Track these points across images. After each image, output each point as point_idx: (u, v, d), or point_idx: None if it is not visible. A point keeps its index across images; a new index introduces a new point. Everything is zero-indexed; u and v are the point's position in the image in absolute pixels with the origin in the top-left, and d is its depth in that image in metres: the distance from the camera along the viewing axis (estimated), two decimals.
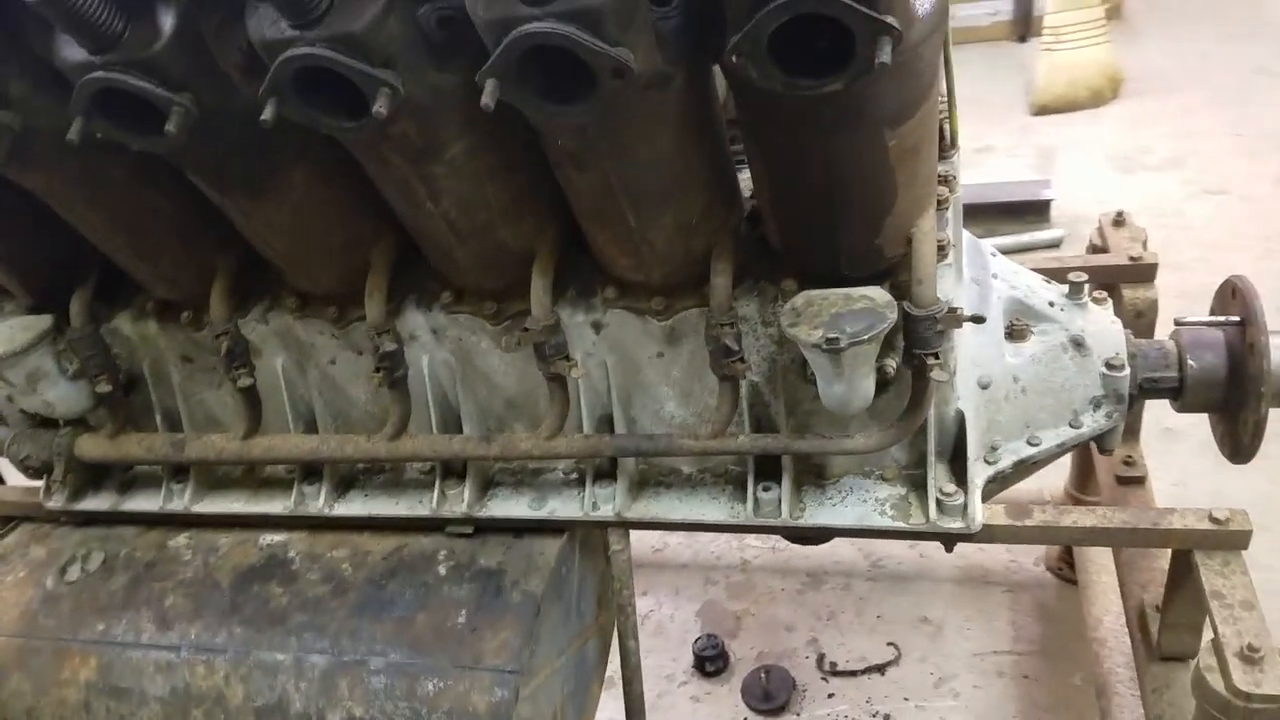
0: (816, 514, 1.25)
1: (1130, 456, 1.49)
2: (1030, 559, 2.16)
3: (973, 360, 1.25)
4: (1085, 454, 1.71)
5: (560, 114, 0.88)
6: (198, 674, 1.32)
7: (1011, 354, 1.29)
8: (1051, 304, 1.30)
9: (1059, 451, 1.30)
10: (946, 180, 1.20)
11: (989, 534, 1.19)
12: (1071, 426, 1.30)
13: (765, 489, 1.26)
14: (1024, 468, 1.30)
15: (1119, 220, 1.65)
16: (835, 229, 1.05)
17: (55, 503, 1.53)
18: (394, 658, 1.27)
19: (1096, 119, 4.32)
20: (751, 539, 2.38)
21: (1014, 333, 1.30)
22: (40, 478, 1.54)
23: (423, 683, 1.25)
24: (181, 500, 1.49)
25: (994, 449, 1.28)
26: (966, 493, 1.19)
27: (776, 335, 1.19)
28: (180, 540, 1.50)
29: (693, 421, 1.29)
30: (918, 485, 1.24)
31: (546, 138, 0.99)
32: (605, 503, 1.32)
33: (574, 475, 1.40)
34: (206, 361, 1.45)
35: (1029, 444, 1.29)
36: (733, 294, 1.16)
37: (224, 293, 1.31)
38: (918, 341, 1.08)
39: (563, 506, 1.35)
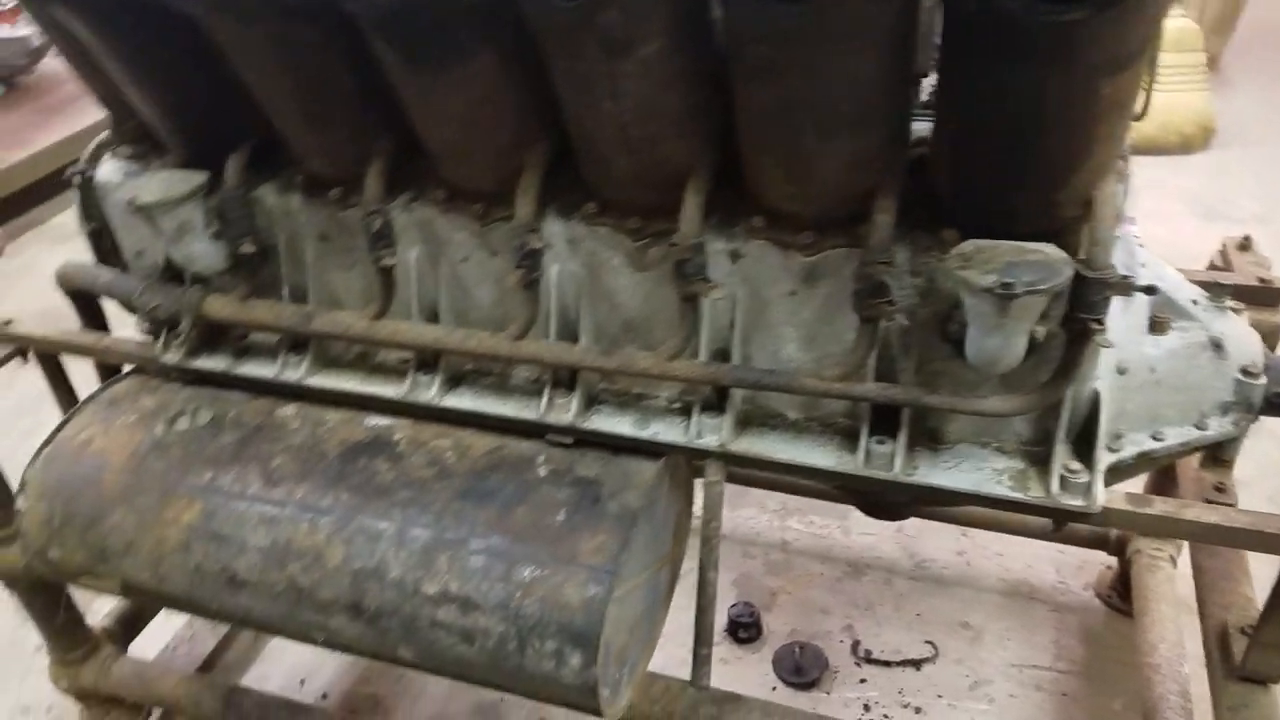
0: (930, 474, 1.23)
1: (1222, 483, 1.51)
2: (1080, 583, 2.16)
3: (1116, 342, 1.25)
4: (1167, 476, 1.73)
5: (774, 13, 0.91)
6: (300, 531, 1.36)
7: (1151, 345, 1.26)
8: (1194, 302, 1.28)
9: (1180, 451, 1.28)
10: (1121, 155, 1.22)
11: (1106, 517, 1.19)
12: (1197, 428, 1.28)
13: (879, 442, 1.25)
14: (1143, 461, 1.27)
15: (1244, 245, 1.66)
16: (1020, 179, 1.02)
17: (171, 357, 1.57)
18: (494, 541, 1.30)
19: (1183, 165, 4.23)
20: (794, 521, 2.40)
21: (1155, 325, 1.29)
22: (159, 331, 1.60)
23: (519, 569, 1.27)
24: (297, 372, 1.52)
25: (1118, 437, 1.25)
26: (1091, 472, 1.17)
27: (922, 286, 1.17)
28: (288, 410, 1.54)
29: (811, 367, 1.29)
30: (1037, 461, 1.22)
31: (742, 45, 0.98)
32: (710, 433, 1.33)
33: (677, 405, 1.41)
34: (343, 242, 1.49)
35: (1153, 438, 1.26)
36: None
37: (380, 174, 1.35)
38: (1084, 305, 1.05)
39: (666, 431, 1.35)
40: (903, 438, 1.25)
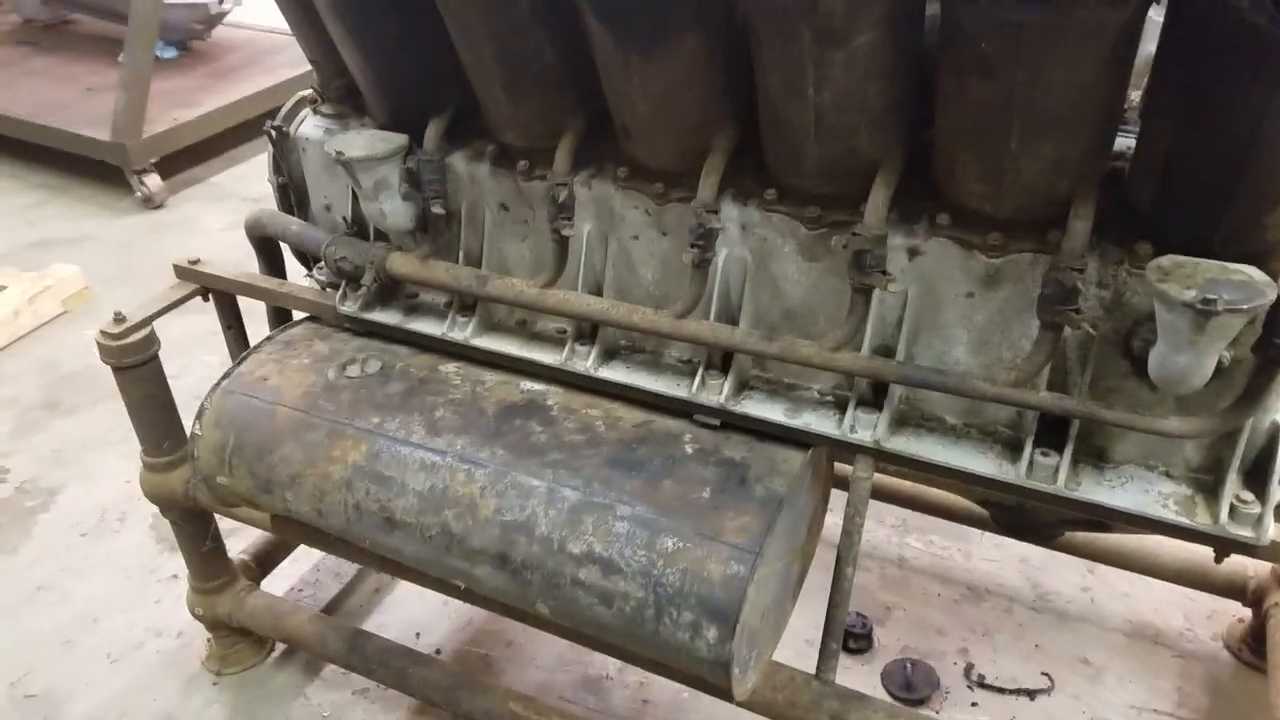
0: (1093, 491, 1.21)
1: None
2: (1208, 632, 2.06)
3: None
4: None
5: (1007, 12, 0.92)
6: (457, 480, 1.42)
7: None
8: None
9: None
10: None
11: (1274, 552, 1.17)
12: None
13: (1044, 454, 1.23)
14: None
15: None
16: (1230, 197, 1.01)
17: (348, 308, 1.66)
18: (639, 510, 1.33)
19: None
20: (913, 538, 2.36)
21: None
22: (340, 282, 1.69)
23: (663, 539, 1.30)
24: (463, 332, 1.59)
25: None
26: (1263, 504, 1.14)
27: (1108, 299, 1.15)
28: (450, 367, 1.60)
29: (978, 372, 1.27)
30: (1204, 489, 1.19)
31: (961, 40, 0.99)
32: (865, 428, 1.33)
33: (829, 398, 1.42)
34: (520, 213, 1.55)
35: None
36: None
37: (570, 149, 1.40)
38: (1271, 326, 1.04)
39: (818, 422, 1.36)
40: (1069, 451, 1.23)
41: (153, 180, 4.10)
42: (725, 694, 1.32)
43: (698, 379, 1.43)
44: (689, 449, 1.40)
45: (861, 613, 2.12)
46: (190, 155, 4.31)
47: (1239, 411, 1.11)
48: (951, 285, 1.27)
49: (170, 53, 4.75)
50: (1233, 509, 1.16)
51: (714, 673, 1.28)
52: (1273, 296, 1.00)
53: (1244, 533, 1.15)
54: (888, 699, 1.95)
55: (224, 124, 4.34)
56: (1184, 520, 1.18)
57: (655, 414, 1.47)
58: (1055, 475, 1.23)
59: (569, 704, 1.98)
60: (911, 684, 1.97)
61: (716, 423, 1.43)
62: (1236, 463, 1.17)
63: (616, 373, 1.49)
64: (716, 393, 1.41)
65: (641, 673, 2.03)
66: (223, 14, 4.77)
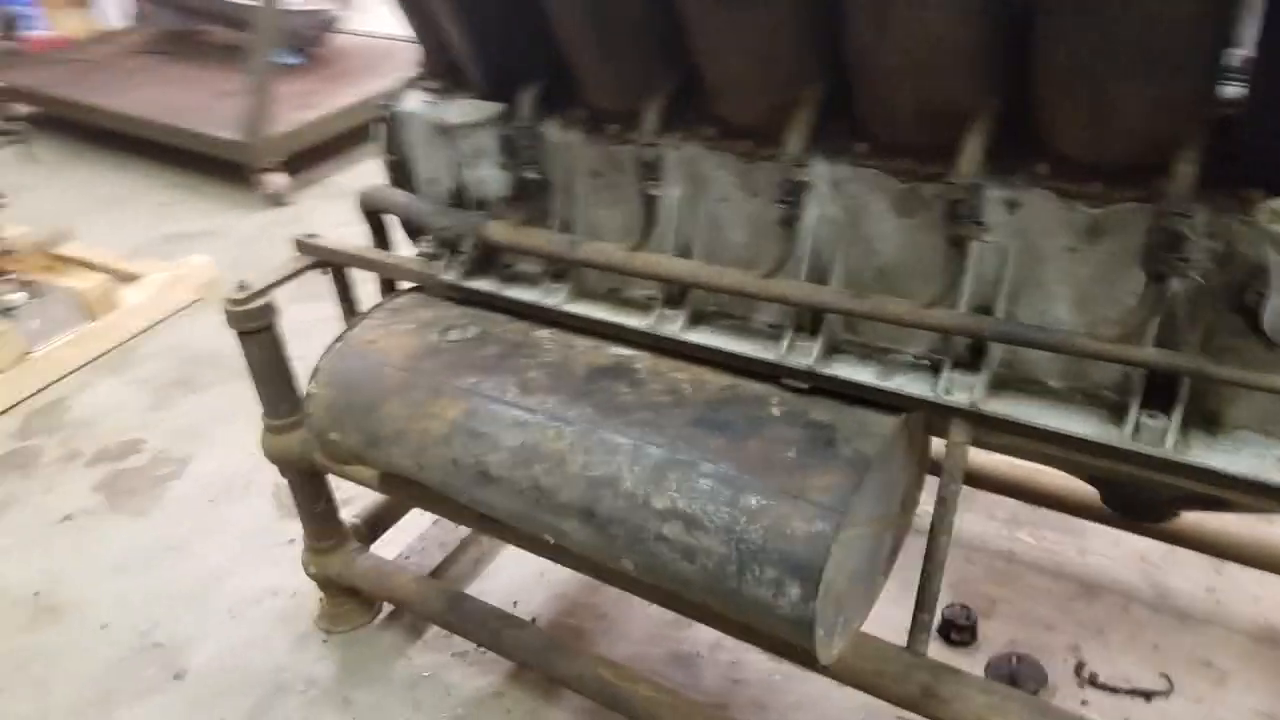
0: (1205, 456, 1.15)
1: None
2: None
3: None
4: None
5: None
6: (547, 436, 1.46)
7: None
8: None
9: None
10: None
11: None
12: None
13: (1151, 416, 1.18)
14: None
15: None
16: None
17: (450, 276, 1.74)
18: (723, 467, 1.34)
19: None
20: (1024, 533, 2.28)
21: None
22: (442, 253, 1.77)
23: (746, 496, 1.31)
24: (556, 298, 1.64)
25: None
26: None
27: (1219, 250, 1.09)
28: (543, 333, 1.65)
29: (1081, 331, 1.25)
30: None
31: None
32: (962, 390, 1.30)
33: (924, 362, 1.40)
34: (612, 179, 1.58)
35: None
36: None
37: (659, 109, 1.42)
38: None
39: (911, 384, 1.34)
40: (1178, 413, 1.18)
41: (278, 178, 4.36)
42: (809, 658, 1.31)
43: (786, 341, 1.43)
44: (775, 411, 1.40)
45: (965, 604, 2.06)
46: (312, 156, 4.56)
47: None
48: (1052, 238, 1.23)
49: (294, 59, 5.04)
50: None
51: (797, 632, 1.27)
52: None
53: None
54: None
55: (343, 125, 4.57)
56: None
57: (742, 378, 1.48)
58: (1163, 438, 1.17)
59: (658, 674, 2.00)
60: (1016, 679, 1.90)
61: (804, 386, 1.43)
62: None
63: (704, 336, 1.51)
64: (806, 355, 1.41)
65: (732, 652, 2.03)
66: (336, 19, 5.05)
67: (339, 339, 1.69)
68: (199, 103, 4.81)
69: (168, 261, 3.74)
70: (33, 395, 3.13)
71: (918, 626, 1.37)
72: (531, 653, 1.86)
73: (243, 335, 1.83)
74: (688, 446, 1.36)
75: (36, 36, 6.23)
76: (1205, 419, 1.21)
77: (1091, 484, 1.55)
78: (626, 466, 1.38)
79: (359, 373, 1.63)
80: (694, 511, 1.32)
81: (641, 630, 2.11)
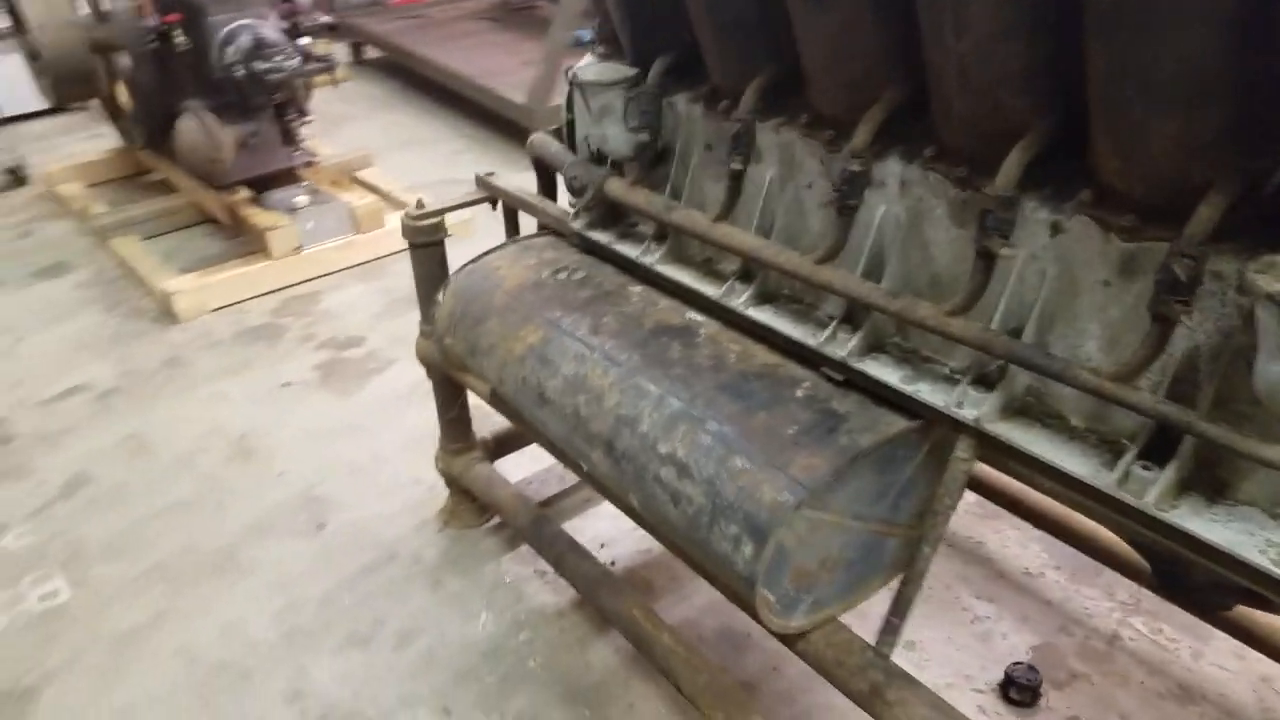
0: (1186, 519, 1.08)
1: None
2: None
3: None
4: None
5: None
6: (596, 372, 1.63)
7: None
8: None
9: None
10: None
11: None
12: None
13: (1145, 467, 1.14)
14: None
15: None
16: None
17: (576, 225, 1.95)
18: (727, 429, 1.43)
19: None
20: (1139, 620, 2.11)
21: None
22: (575, 198, 1.98)
23: (735, 457, 1.39)
24: (652, 257, 1.80)
25: None
26: None
27: (1247, 308, 1.04)
28: (637, 288, 1.81)
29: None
30: None
31: None
32: (973, 406, 1.30)
33: (958, 377, 1.41)
34: (720, 154, 1.72)
35: None
36: (1215, 240, 1.03)
37: (757, 90, 1.53)
38: None
39: (929, 392, 1.36)
40: (1172, 468, 1.12)
41: None
42: (754, 615, 1.38)
43: (829, 331, 1.49)
44: (799, 393, 1.47)
45: (1035, 666, 1.96)
46: None
47: None
48: (1090, 270, 1.21)
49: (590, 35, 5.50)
50: None
51: (744, 589, 1.35)
52: None
53: None
54: None
55: None
56: (1274, 569, 1.02)
57: (789, 360, 1.55)
58: (1147, 490, 1.12)
59: (703, 643, 2.10)
60: None
61: (840, 378, 1.48)
62: None
63: (764, 314, 1.60)
64: (843, 346, 1.46)
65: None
66: None
67: (473, 261, 1.96)
68: (505, 67, 5.42)
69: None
70: (296, 285, 3.77)
71: (886, 629, 1.39)
72: (585, 581, 2.04)
73: (413, 247, 2.15)
74: (705, 405, 1.47)
75: None
76: (1213, 485, 1.13)
77: (1141, 555, 1.46)
78: (649, 411, 1.51)
79: (478, 291, 1.89)
80: (688, 461, 1.43)
81: (706, 600, 2.22)
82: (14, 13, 4.30)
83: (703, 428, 1.44)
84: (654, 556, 2.36)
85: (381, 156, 4.94)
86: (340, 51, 6.77)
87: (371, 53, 6.70)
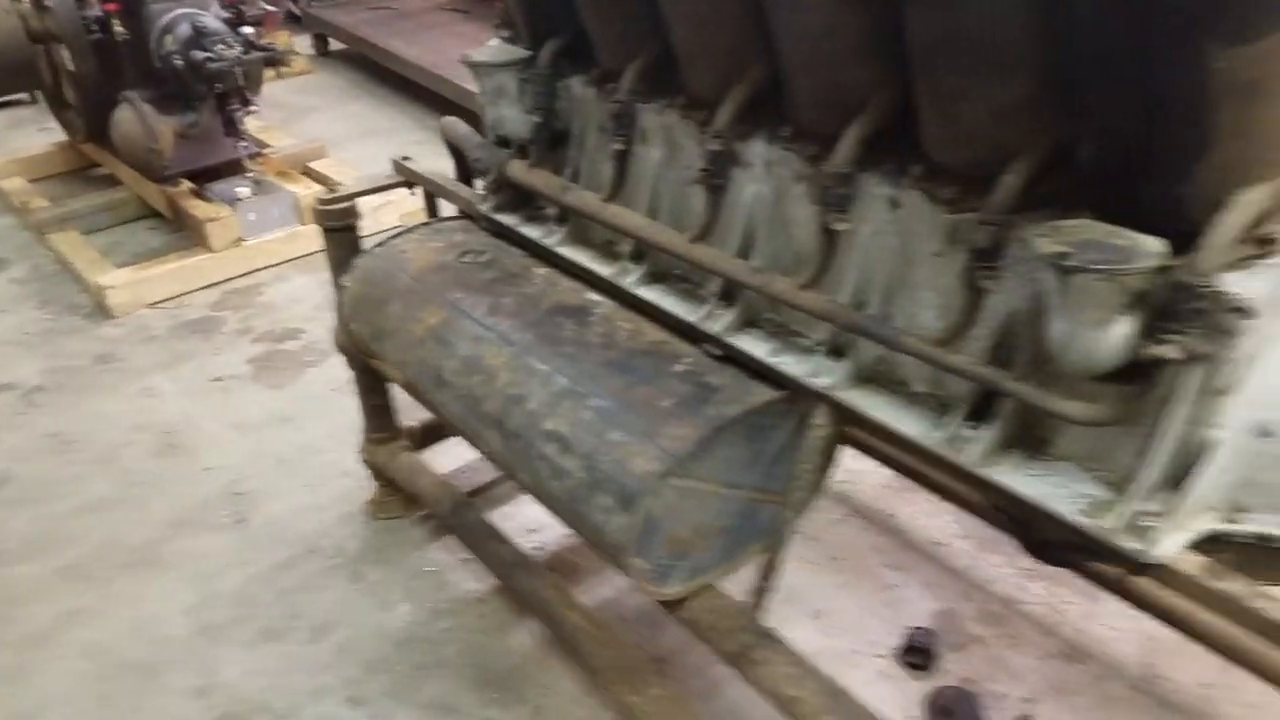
0: (1005, 474, 1.21)
1: None
2: None
3: (1265, 401, 1.12)
4: None
5: None
6: (489, 352, 1.75)
7: None
8: None
9: None
10: None
11: (1169, 578, 1.10)
12: None
13: (971, 427, 1.28)
14: (1272, 549, 1.14)
15: None
16: (1140, 164, 1.02)
17: (485, 208, 2.09)
18: (607, 403, 1.56)
19: None
20: (1039, 585, 2.25)
21: None
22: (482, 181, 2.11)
23: (612, 431, 1.52)
24: (553, 239, 1.94)
25: (1241, 509, 1.13)
26: (1164, 520, 1.08)
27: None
28: (541, 270, 1.94)
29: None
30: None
31: None
32: (827, 375, 1.43)
33: (821, 348, 1.54)
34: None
35: None
36: (1032, 209, 1.16)
37: (639, 71, 1.64)
38: (1172, 313, 1.00)
39: (792, 364, 1.48)
40: (995, 429, 1.25)
41: None
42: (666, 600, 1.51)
43: (708, 308, 1.62)
44: (679, 368, 1.60)
45: (933, 631, 2.10)
46: None
47: (1131, 402, 1.08)
48: (923, 241, 1.34)
49: None
50: (1131, 519, 1.11)
51: (617, 556, 1.48)
52: (1143, 266, 0.99)
53: (1131, 544, 1.10)
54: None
55: None
56: (1077, 519, 1.15)
57: (676, 337, 1.69)
58: (969, 448, 1.25)
59: (622, 622, 2.23)
60: (950, 711, 1.94)
61: (718, 353, 1.61)
62: (1152, 472, 1.11)
63: (653, 293, 1.73)
64: (718, 322, 1.59)
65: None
66: None
67: (380, 244, 2.10)
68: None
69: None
70: (237, 277, 3.90)
71: (756, 592, 1.52)
72: (502, 565, 2.17)
73: (326, 231, 2.28)
74: (589, 381, 1.61)
75: None
76: (1035, 443, 1.27)
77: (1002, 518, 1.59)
78: (536, 389, 1.65)
79: (382, 274, 2.02)
80: (569, 436, 1.56)
81: (629, 581, 2.34)
82: None
83: (585, 403, 1.57)
84: (582, 541, 2.48)
85: (341, 147, 5.07)
86: (304, 44, 6.94)
87: (337, 45, 6.84)
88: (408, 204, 4.32)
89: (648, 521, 1.45)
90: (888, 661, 2.09)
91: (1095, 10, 0.98)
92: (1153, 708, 1.94)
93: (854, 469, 2.65)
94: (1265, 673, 1.78)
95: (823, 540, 2.44)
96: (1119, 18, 0.96)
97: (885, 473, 2.55)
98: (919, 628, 2.09)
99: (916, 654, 2.05)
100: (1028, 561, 2.27)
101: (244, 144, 4.19)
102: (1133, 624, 2.08)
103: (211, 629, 2.30)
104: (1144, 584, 1.77)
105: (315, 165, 4.69)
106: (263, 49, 4.03)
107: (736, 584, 1.63)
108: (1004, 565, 2.29)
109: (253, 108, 4.16)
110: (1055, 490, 1.21)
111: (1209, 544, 1.14)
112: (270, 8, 4.53)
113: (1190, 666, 1.99)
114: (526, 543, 2.47)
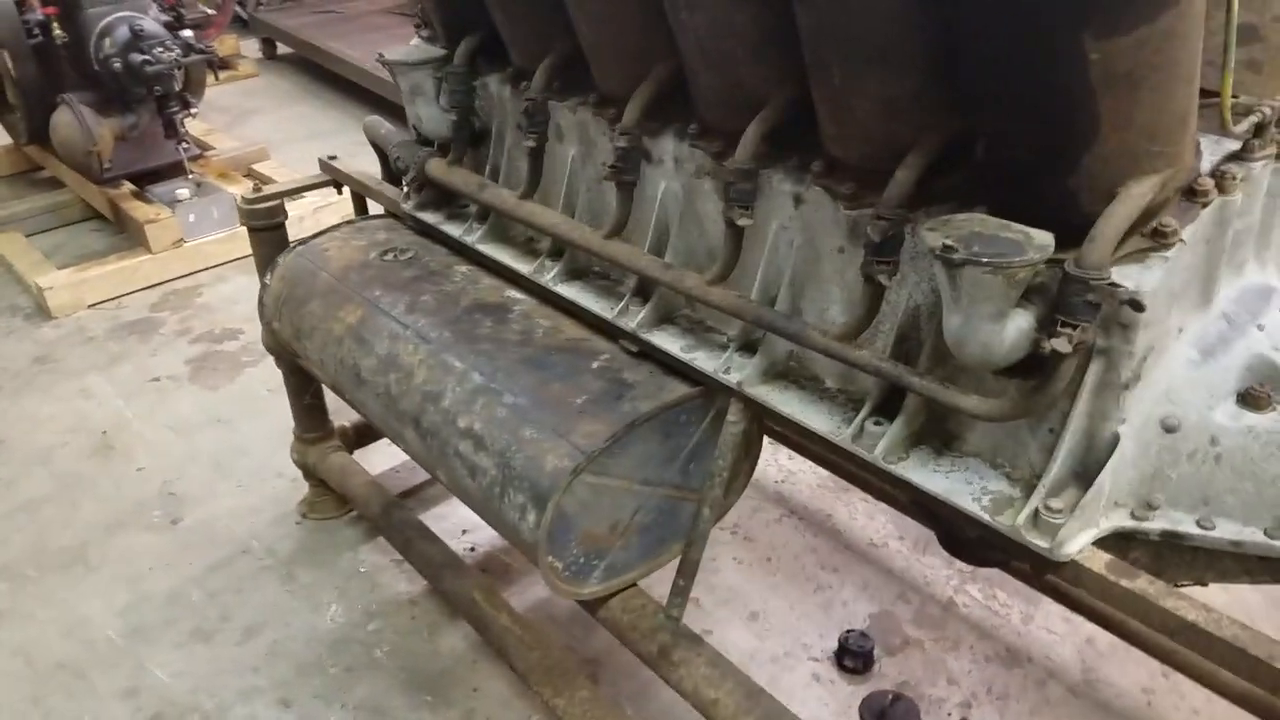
0: (911, 470, 1.18)
1: None
2: None
3: (1168, 394, 1.10)
4: None
5: None
6: (406, 350, 1.69)
7: (1228, 415, 1.09)
8: None
9: (1231, 551, 1.09)
10: (1221, 177, 1.08)
11: (1075, 575, 1.07)
12: (1266, 535, 1.08)
13: (876, 423, 1.25)
14: (1181, 548, 1.11)
15: None
16: (1028, 156, 1.00)
17: (407, 206, 2.02)
18: (521, 400, 1.50)
19: None
20: (975, 587, 2.23)
21: (1249, 398, 1.10)
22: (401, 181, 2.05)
23: (525, 428, 1.47)
24: (473, 236, 1.87)
25: (1150, 506, 1.11)
26: (1071, 516, 1.05)
27: None
28: (462, 268, 1.88)
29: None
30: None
31: None
32: (738, 370, 1.39)
33: (735, 344, 1.51)
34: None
35: (1198, 524, 1.11)
36: (931, 203, 1.14)
37: (547, 70, 1.60)
38: (1063, 306, 0.97)
39: (705, 359, 1.44)
40: (900, 424, 1.22)
41: None
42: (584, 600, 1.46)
43: (622, 304, 1.57)
44: (595, 364, 1.55)
45: (867, 633, 2.07)
46: None
47: (1034, 398, 1.05)
48: (827, 237, 1.30)
49: None
50: (1037, 514, 1.08)
51: (531, 554, 1.43)
52: (1031, 258, 0.96)
53: (1038, 541, 1.07)
54: None
55: None
56: (983, 516, 1.12)
57: (595, 334, 1.64)
58: (876, 444, 1.22)
59: (553, 624, 2.18)
60: (886, 715, 1.90)
61: (634, 349, 1.56)
62: (1056, 468, 1.08)
63: (571, 290, 1.68)
64: (633, 319, 1.55)
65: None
66: None
67: (301, 242, 2.02)
68: None
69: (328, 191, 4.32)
70: (178, 279, 3.78)
71: (674, 591, 1.48)
72: (431, 565, 2.11)
73: (251, 231, 2.20)
74: (505, 378, 1.55)
75: None
76: (943, 438, 1.24)
77: (925, 516, 1.56)
78: (451, 386, 1.59)
79: (303, 273, 1.95)
80: (483, 433, 1.51)
81: None
82: None
83: (500, 400, 1.52)
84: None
85: (283, 149, 4.95)
86: (251, 48, 6.80)
87: (284, 50, 6.70)
88: (349, 205, 4.25)
89: (560, 519, 1.39)
90: (824, 665, 2.05)
91: (974, 4, 0.94)
92: (1093, 712, 1.92)
93: (790, 469, 2.63)
94: (1198, 675, 1.77)
95: (759, 540, 2.41)
96: (999, 11, 0.92)
97: (822, 473, 2.53)
98: (855, 631, 2.05)
99: (853, 657, 2.02)
100: (961, 564, 2.27)
101: (185, 146, 4.07)
102: (1071, 627, 2.07)
103: (142, 630, 2.21)
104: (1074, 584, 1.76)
105: (258, 167, 4.58)
106: (201, 51, 3.92)
107: (659, 583, 1.59)
108: (942, 567, 2.27)
109: (193, 110, 4.05)
110: (961, 486, 1.18)
111: (1120, 543, 1.11)
112: (210, 11, 4.41)
113: (1132, 671, 1.98)
114: (459, 544, 2.41)
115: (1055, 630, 2.10)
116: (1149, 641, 1.84)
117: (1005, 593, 2.20)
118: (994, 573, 2.23)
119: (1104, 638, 2.04)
